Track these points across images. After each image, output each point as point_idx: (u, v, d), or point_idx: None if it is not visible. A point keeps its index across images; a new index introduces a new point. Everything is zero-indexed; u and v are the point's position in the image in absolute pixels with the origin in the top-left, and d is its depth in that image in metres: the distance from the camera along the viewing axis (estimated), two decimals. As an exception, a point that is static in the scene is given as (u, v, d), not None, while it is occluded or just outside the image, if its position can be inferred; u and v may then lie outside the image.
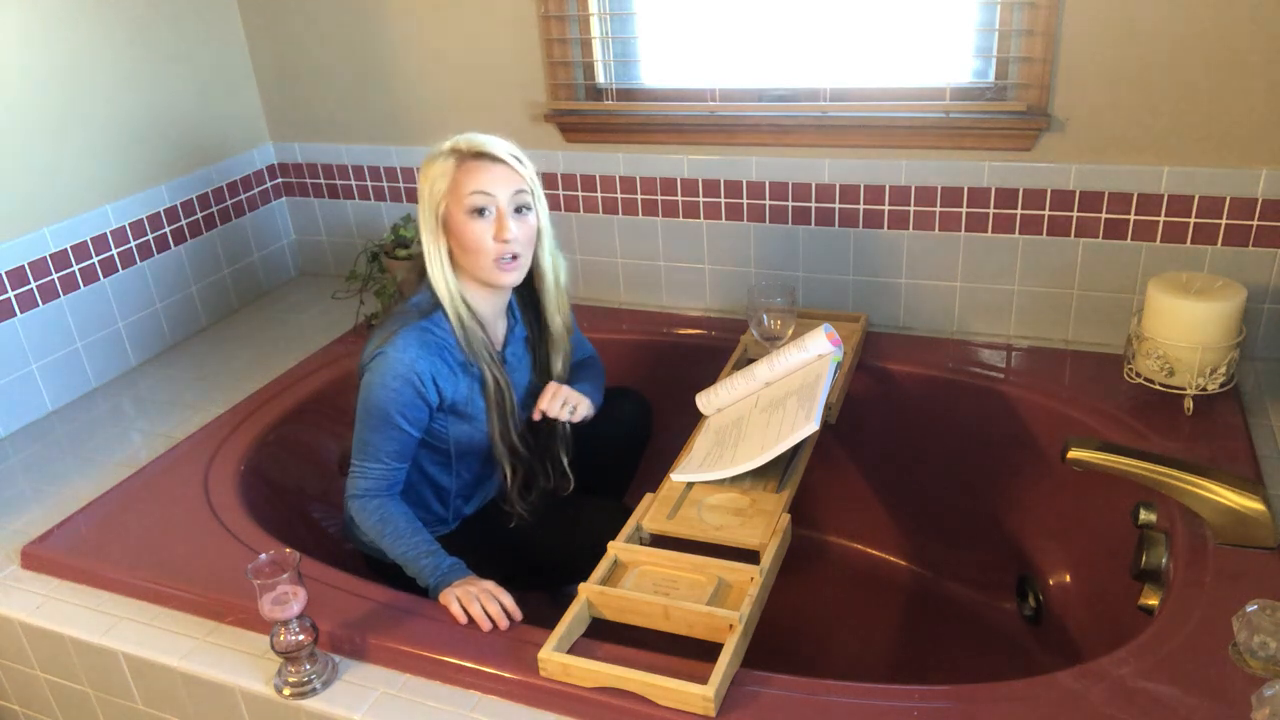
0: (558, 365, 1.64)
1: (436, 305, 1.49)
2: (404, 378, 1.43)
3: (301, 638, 1.23)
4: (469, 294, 1.51)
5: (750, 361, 1.75)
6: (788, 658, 1.36)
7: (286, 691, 1.24)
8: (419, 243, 1.51)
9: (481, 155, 1.44)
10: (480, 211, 1.43)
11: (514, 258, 1.47)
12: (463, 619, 1.31)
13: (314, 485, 1.87)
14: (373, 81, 2.32)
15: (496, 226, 1.44)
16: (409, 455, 1.50)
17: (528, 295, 1.61)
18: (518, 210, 1.46)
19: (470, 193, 1.43)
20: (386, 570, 1.64)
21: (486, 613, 1.30)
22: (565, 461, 1.67)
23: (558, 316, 1.61)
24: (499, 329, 1.59)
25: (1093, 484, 1.62)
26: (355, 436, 1.49)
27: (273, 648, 1.23)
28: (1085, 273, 1.89)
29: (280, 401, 1.94)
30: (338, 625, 1.32)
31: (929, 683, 1.16)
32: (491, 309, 1.55)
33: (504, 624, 1.30)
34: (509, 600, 1.33)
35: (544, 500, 1.66)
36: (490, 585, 1.35)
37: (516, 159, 1.47)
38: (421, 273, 1.53)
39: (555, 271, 1.58)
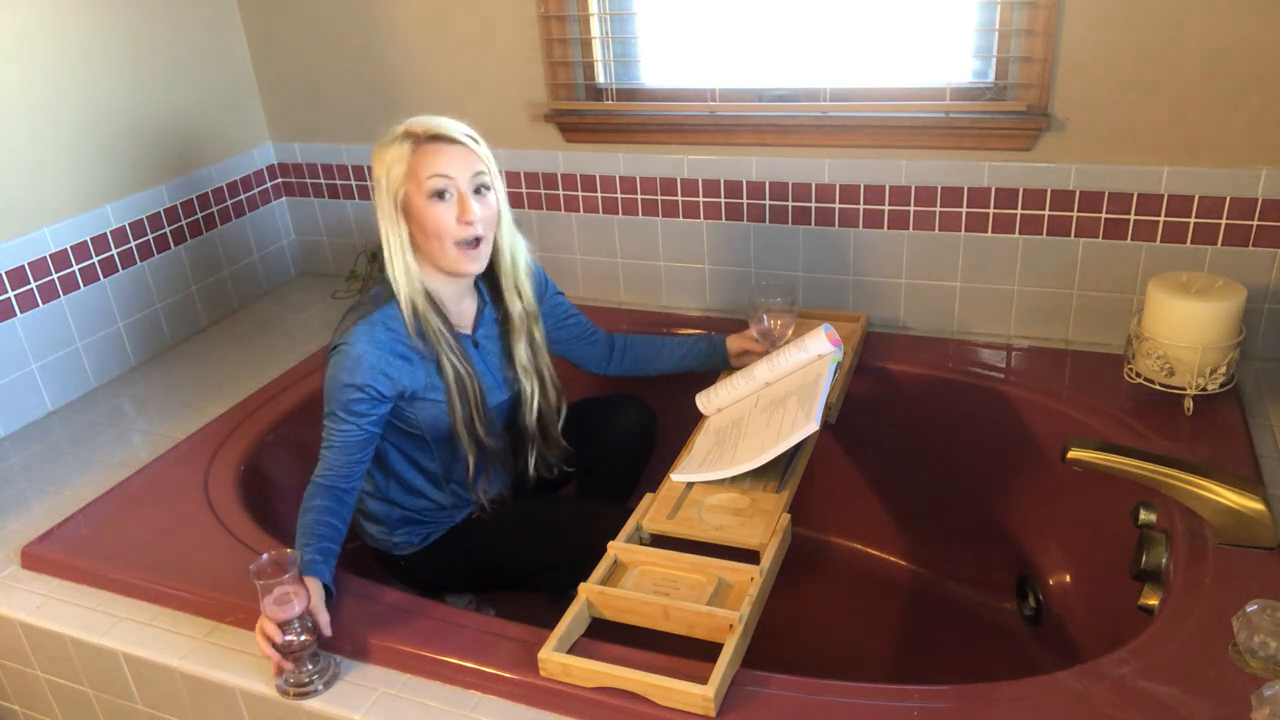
0: (520, 350, 1.61)
1: (392, 295, 1.47)
2: (350, 372, 1.42)
3: (303, 638, 1.23)
4: (429, 281, 1.50)
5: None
6: (788, 657, 1.36)
7: (289, 692, 1.25)
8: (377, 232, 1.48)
9: (437, 138, 1.43)
10: (440, 194, 1.43)
11: (476, 241, 1.46)
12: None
13: (314, 485, 1.87)
14: (373, 82, 2.32)
15: (459, 208, 1.44)
16: (356, 450, 1.45)
17: (491, 279, 1.59)
18: (477, 191, 1.45)
19: (429, 176, 1.42)
20: (394, 565, 1.65)
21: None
22: (559, 436, 1.66)
23: (517, 301, 1.59)
24: (466, 311, 1.58)
25: (1093, 484, 1.62)
26: None
27: (275, 648, 1.23)
28: (1085, 273, 1.89)
29: (280, 401, 1.94)
30: (338, 625, 1.31)
31: (929, 683, 1.16)
32: (454, 291, 1.54)
33: (270, 654, 1.25)
34: (272, 630, 1.24)
35: (516, 492, 1.64)
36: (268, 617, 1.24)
37: (472, 139, 1.46)
38: (379, 263, 1.51)
39: (513, 253, 1.57)
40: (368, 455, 1.48)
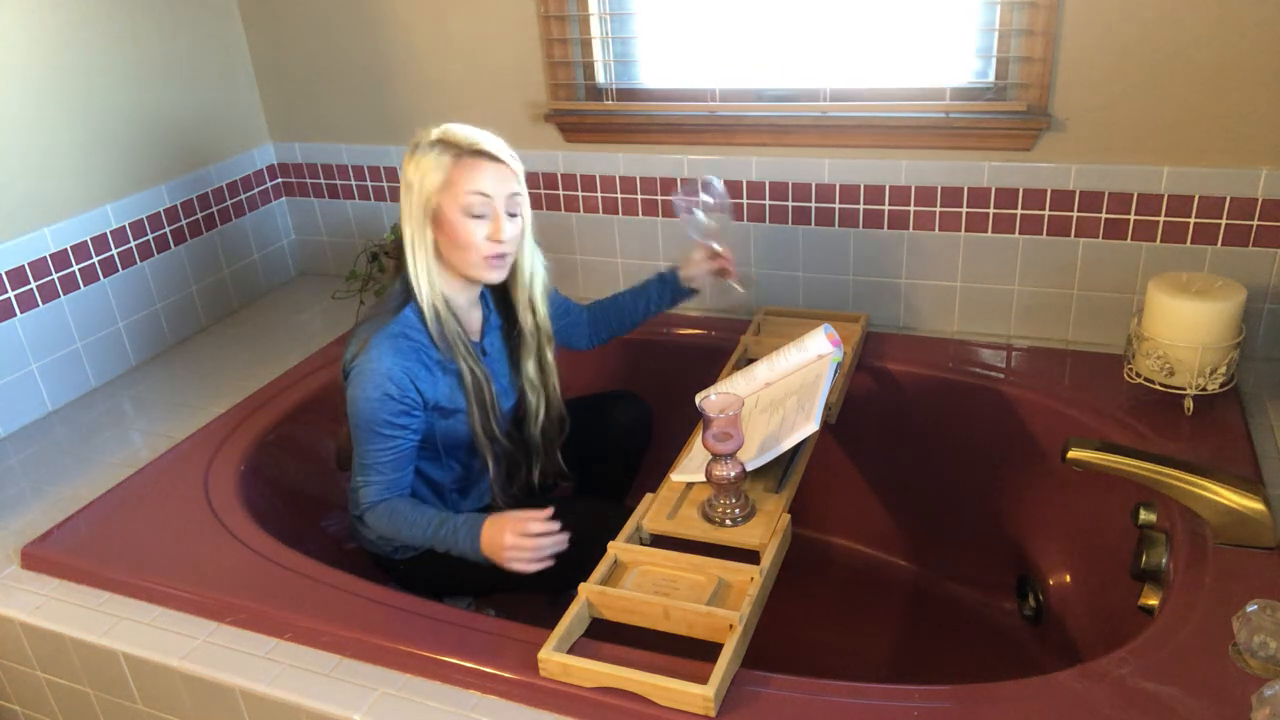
0: (529, 366, 1.62)
1: (407, 301, 1.48)
2: (381, 389, 1.42)
3: (733, 472, 1.34)
4: (446, 286, 1.50)
5: (750, 362, 1.75)
6: (788, 658, 1.35)
7: (714, 519, 1.38)
8: (399, 234, 1.49)
9: (481, 153, 1.42)
10: (476, 211, 1.43)
11: (501, 256, 1.47)
12: (531, 568, 1.36)
13: (314, 485, 1.87)
14: (373, 81, 2.32)
15: (492, 228, 1.44)
16: (407, 461, 1.48)
17: (499, 289, 1.60)
18: (510, 212, 1.46)
19: (468, 192, 1.41)
20: (393, 568, 1.65)
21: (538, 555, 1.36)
22: (558, 454, 1.67)
23: (530, 316, 1.60)
24: (475, 319, 1.59)
25: (1093, 484, 1.62)
26: (354, 450, 1.48)
27: (707, 478, 1.35)
28: (1085, 273, 1.89)
29: (280, 401, 1.94)
30: (338, 625, 1.32)
31: (929, 683, 1.16)
32: (466, 300, 1.55)
33: (557, 544, 1.36)
34: (539, 526, 1.36)
35: (526, 493, 1.65)
36: (513, 524, 1.36)
37: (512, 158, 1.46)
38: (380, 264, 1.52)
39: (532, 270, 1.58)
40: (410, 469, 1.49)
